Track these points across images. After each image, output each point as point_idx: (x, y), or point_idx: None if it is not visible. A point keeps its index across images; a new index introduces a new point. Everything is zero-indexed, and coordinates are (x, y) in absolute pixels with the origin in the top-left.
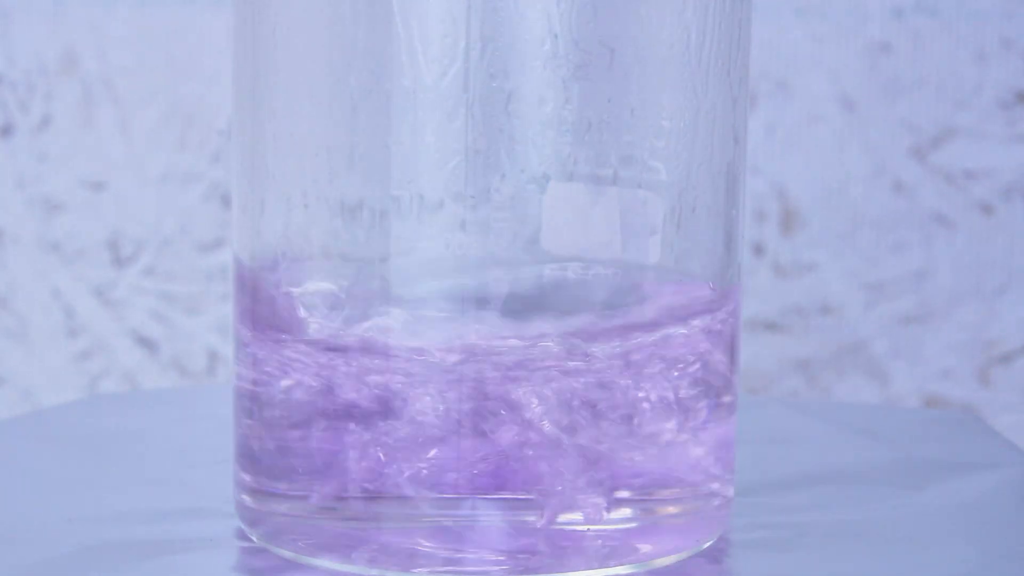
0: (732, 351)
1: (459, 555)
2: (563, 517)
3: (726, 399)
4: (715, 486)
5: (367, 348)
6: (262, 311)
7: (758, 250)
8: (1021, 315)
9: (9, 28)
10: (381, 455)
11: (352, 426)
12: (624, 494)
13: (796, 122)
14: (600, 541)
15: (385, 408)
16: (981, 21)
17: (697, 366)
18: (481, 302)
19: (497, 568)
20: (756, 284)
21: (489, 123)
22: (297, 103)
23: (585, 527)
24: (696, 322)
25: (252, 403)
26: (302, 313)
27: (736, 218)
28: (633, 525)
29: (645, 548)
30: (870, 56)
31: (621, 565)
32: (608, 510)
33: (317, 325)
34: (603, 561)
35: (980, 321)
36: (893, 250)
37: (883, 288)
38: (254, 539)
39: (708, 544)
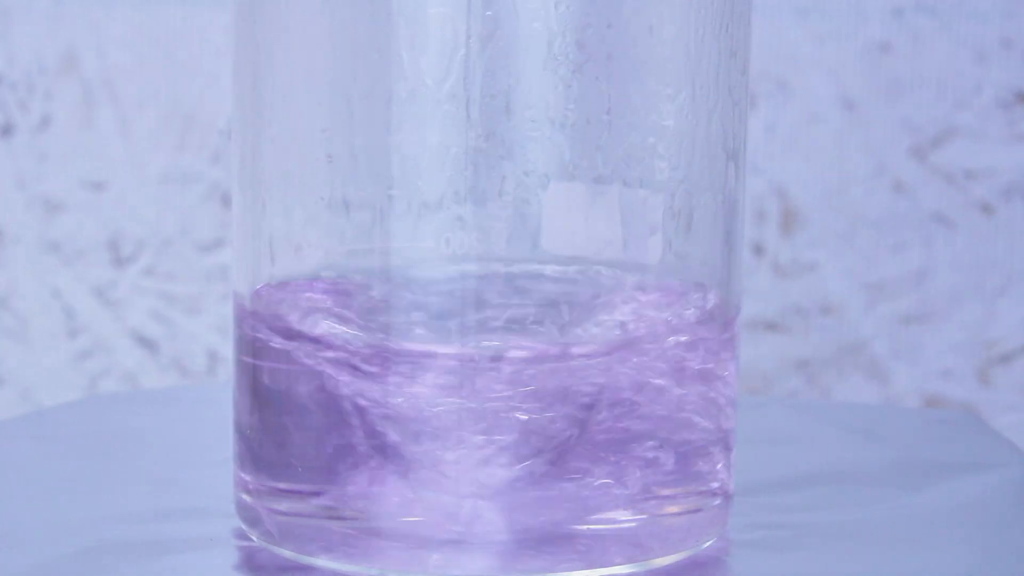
0: (734, 352)
1: (460, 555)
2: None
3: (727, 400)
4: (715, 486)
5: (368, 348)
6: (263, 311)
7: (758, 250)
8: (1021, 315)
9: (9, 28)
10: (382, 455)
11: (353, 425)
12: (625, 493)
13: (796, 122)
14: (600, 541)
15: (386, 408)
16: (981, 21)
17: (698, 369)
18: (481, 304)
19: (498, 568)
20: (756, 284)
21: (489, 123)
22: (297, 103)
23: (585, 527)
24: (699, 329)
25: (254, 401)
26: (303, 313)
27: (737, 218)
28: (633, 525)
29: (645, 548)
30: (870, 56)
31: (621, 565)
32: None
33: (318, 325)
34: (603, 561)
35: (980, 321)
36: (893, 250)
37: (883, 288)
38: (254, 539)
39: (708, 544)
